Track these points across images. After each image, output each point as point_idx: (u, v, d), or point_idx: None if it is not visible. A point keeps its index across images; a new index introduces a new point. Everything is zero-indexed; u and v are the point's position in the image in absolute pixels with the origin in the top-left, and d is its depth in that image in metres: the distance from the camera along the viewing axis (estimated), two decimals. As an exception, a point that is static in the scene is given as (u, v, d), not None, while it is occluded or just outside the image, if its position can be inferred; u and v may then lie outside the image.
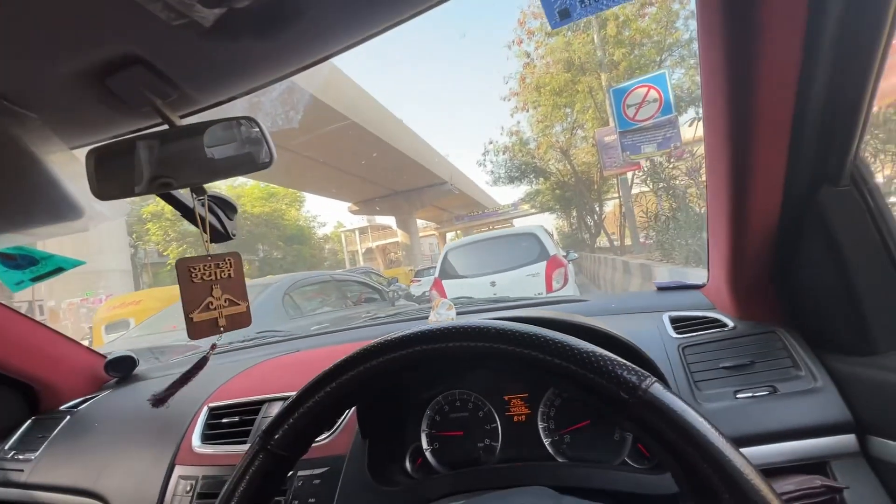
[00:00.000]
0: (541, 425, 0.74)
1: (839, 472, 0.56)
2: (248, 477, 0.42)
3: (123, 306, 6.66)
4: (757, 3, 0.43)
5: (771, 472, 0.58)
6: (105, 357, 1.24)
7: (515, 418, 0.76)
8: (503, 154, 15.95)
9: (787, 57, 0.46)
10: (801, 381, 0.64)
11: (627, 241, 11.39)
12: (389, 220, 30.20)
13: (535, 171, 16.00)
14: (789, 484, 0.53)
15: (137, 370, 1.26)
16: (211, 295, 0.61)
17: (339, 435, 0.78)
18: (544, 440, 0.72)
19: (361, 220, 36.35)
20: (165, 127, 0.63)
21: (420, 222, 33.05)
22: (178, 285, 0.61)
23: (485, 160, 16.46)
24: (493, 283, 4.97)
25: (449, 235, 34.72)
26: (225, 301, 0.61)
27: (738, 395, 0.65)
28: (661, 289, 1.03)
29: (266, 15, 0.50)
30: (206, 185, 0.68)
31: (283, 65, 0.61)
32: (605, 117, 10.84)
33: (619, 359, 0.36)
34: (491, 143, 16.34)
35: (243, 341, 1.46)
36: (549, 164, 15.49)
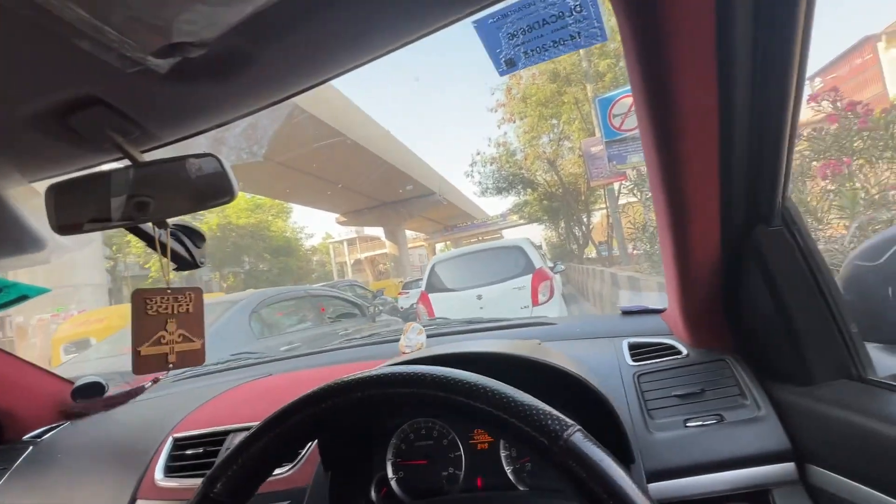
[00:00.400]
0: (503, 453, 0.74)
1: (780, 500, 0.58)
2: None
3: (87, 324, 6.35)
4: (672, 63, 0.46)
5: (716, 500, 0.59)
6: (72, 383, 1.21)
7: (479, 446, 0.77)
8: (491, 165, 16.06)
9: (706, 112, 0.49)
10: (746, 410, 0.66)
11: (616, 252, 11.48)
12: (378, 231, 30.10)
13: (523, 182, 16.11)
14: (728, 514, 0.54)
15: (106, 396, 1.24)
16: (164, 329, 0.60)
17: (302, 467, 0.78)
18: (506, 468, 0.73)
19: (350, 232, 36.16)
20: (128, 162, 0.64)
21: (409, 233, 32.98)
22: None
23: (472, 171, 16.56)
24: (479, 297, 4.97)
25: (438, 246, 34.70)
26: (178, 336, 0.60)
27: (687, 424, 0.67)
28: (626, 313, 1.06)
29: (221, 61, 0.52)
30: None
31: (243, 105, 0.62)
32: (592, 128, 10.96)
33: (545, 408, 0.37)
34: (478, 154, 16.46)
35: (216, 364, 1.44)
36: (537, 174, 15.62)
